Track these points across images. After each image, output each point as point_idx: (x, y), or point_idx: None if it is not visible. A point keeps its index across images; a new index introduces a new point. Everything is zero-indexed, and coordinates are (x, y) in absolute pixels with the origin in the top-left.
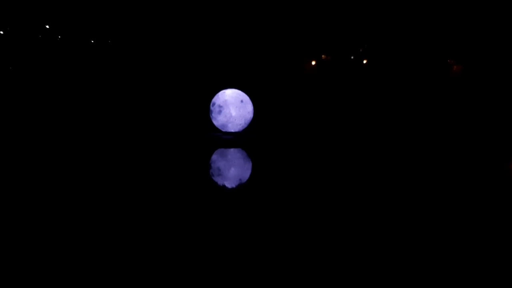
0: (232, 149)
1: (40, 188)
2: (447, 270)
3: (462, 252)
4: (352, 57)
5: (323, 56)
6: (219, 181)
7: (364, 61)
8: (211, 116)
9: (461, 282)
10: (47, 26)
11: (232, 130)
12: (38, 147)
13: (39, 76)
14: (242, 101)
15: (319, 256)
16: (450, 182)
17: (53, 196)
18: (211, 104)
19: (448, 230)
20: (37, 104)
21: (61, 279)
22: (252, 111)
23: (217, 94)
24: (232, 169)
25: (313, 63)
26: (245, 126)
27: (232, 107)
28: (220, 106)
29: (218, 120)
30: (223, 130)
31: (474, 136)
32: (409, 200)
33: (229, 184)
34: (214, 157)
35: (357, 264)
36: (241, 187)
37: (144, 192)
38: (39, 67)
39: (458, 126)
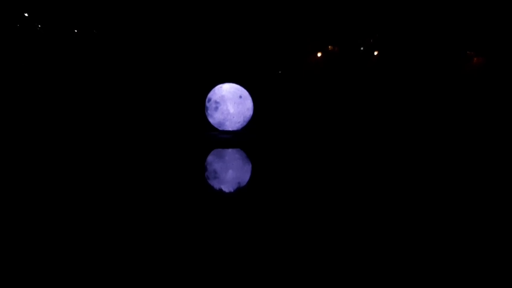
0: (230, 150)
1: (32, 186)
2: (447, 270)
3: (462, 252)
4: (362, 48)
5: (329, 47)
6: (216, 184)
7: (375, 53)
8: (206, 113)
9: (461, 282)
10: (26, 14)
11: (230, 129)
12: (27, 145)
13: (17, 71)
14: (241, 96)
15: (321, 260)
16: (452, 181)
17: (45, 194)
18: (206, 100)
19: (448, 230)
20: (17, 101)
21: (59, 279)
22: (252, 108)
23: (213, 89)
24: (230, 171)
25: (319, 54)
26: (244, 124)
27: (230, 103)
28: (216, 102)
29: (215, 117)
30: (220, 129)
31: (490, 133)
32: (410, 199)
33: (227, 188)
34: (210, 158)
35: (357, 267)
36: (239, 191)
37: (133, 200)
38: (16, 61)
39: (474, 123)
